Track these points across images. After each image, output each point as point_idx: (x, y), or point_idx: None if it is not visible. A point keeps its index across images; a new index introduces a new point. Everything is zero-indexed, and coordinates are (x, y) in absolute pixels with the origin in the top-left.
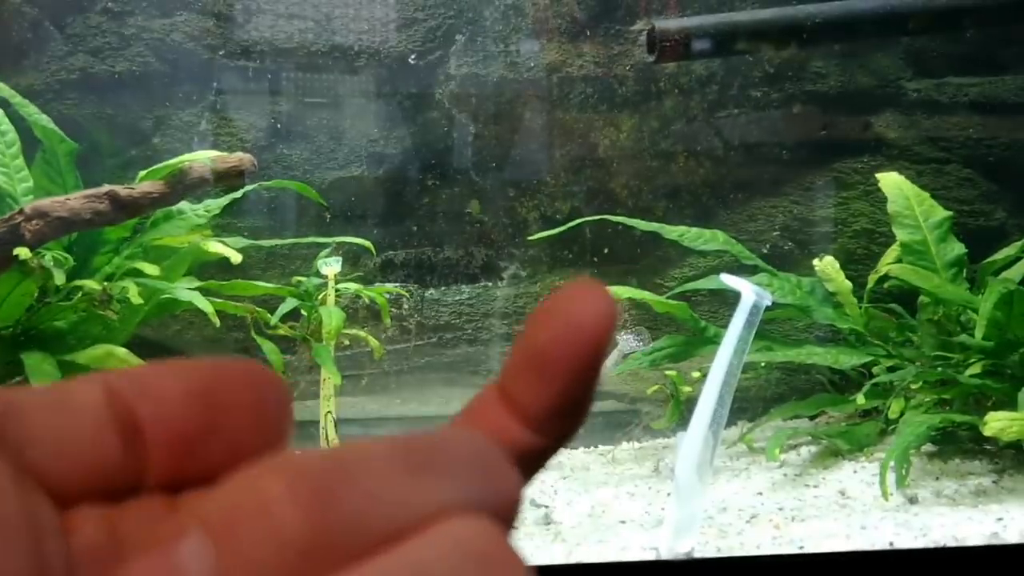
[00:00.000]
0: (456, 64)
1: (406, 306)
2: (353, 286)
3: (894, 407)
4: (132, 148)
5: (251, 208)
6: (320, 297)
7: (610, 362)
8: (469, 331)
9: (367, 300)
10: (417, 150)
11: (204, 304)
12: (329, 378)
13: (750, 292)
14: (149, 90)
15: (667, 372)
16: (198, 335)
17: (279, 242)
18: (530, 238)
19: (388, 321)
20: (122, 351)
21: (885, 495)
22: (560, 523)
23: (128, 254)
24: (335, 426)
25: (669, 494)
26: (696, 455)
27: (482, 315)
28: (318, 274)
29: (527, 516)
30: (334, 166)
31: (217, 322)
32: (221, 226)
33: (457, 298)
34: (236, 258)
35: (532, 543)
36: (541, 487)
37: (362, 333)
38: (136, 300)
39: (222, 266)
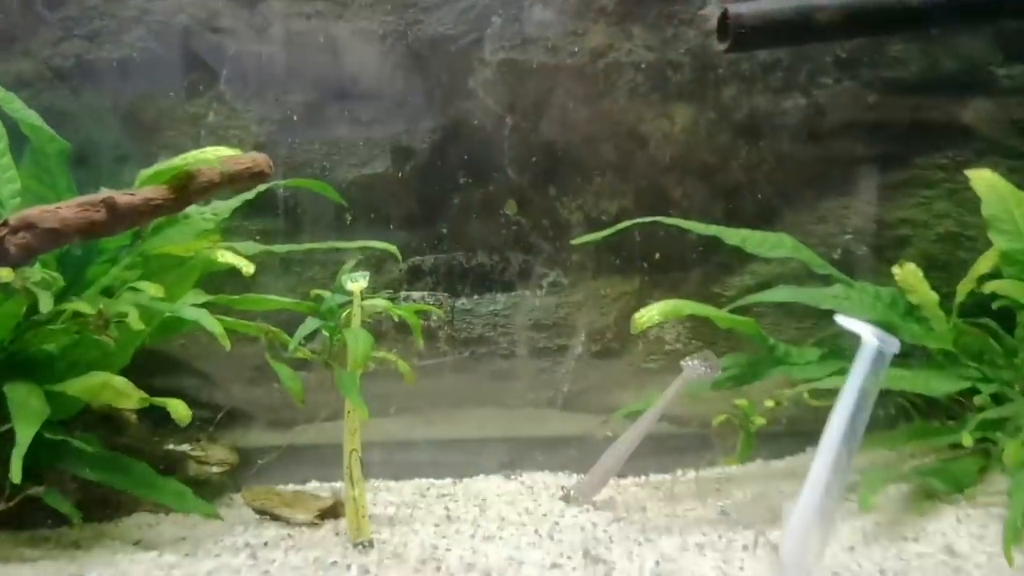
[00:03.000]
0: (491, 49)
1: (435, 317)
2: (381, 303)
3: (1011, 453)
4: (132, 142)
5: (264, 209)
6: (344, 316)
7: (671, 392)
8: (504, 345)
9: (394, 318)
10: (448, 144)
11: (213, 325)
12: (355, 411)
13: (873, 338)
14: (151, 79)
15: (737, 401)
16: (205, 350)
17: (295, 247)
18: (573, 242)
19: (421, 342)
20: (120, 381)
21: (1009, 560)
22: None
23: (127, 264)
24: (361, 466)
25: (746, 547)
26: (807, 535)
27: (519, 327)
28: (342, 289)
29: (583, 574)
30: (356, 162)
31: (228, 345)
32: (231, 229)
33: (491, 308)
34: (248, 269)
35: None
36: (594, 532)
37: (391, 356)
38: (137, 326)
39: (233, 273)
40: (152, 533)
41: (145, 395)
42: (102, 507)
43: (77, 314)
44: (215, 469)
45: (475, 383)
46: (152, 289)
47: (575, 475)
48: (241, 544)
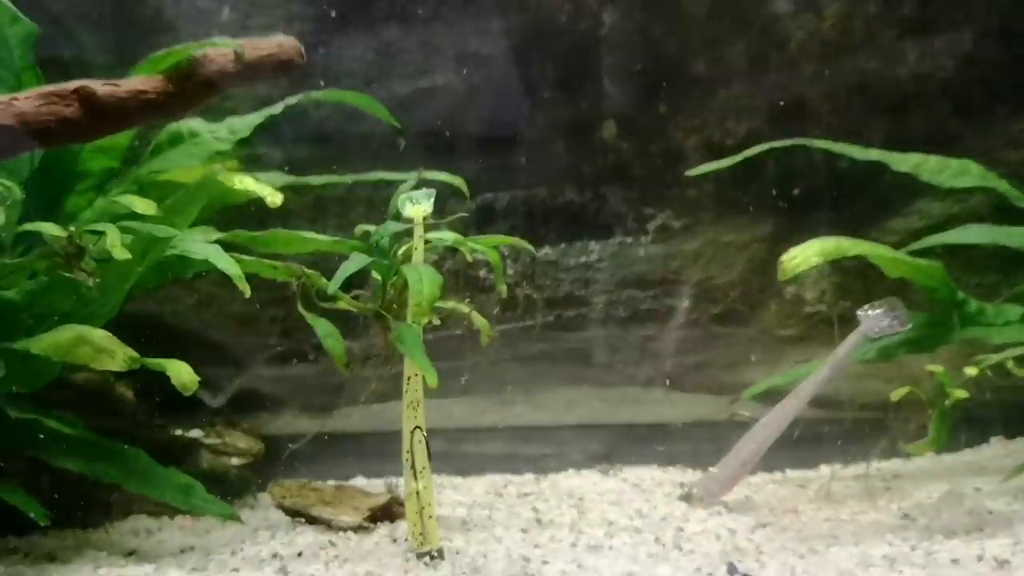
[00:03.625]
0: None
1: (511, 272)
2: (450, 236)
3: None
4: (124, 45)
5: (294, 132)
6: (402, 252)
7: (843, 352)
8: (599, 306)
9: (467, 259)
10: (528, 49)
11: (228, 264)
12: (417, 375)
13: None
14: None
15: (931, 367)
16: (221, 312)
17: (333, 179)
18: (689, 173)
19: (504, 288)
20: (99, 335)
21: None
22: None
23: (117, 193)
24: (428, 450)
25: (955, 561)
26: None
27: (618, 284)
28: (399, 215)
29: None
30: (411, 72)
31: (247, 290)
32: (251, 159)
33: (583, 259)
34: (275, 198)
35: None
36: (733, 540)
37: (462, 307)
38: (120, 253)
39: (253, 213)
40: (151, 542)
41: (134, 353)
42: (87, 508)
43: (45, 249)
44: (235, 461)
45: (561, 355)
46: (141, 205)
47: (690, 471)
48: (267, 555)
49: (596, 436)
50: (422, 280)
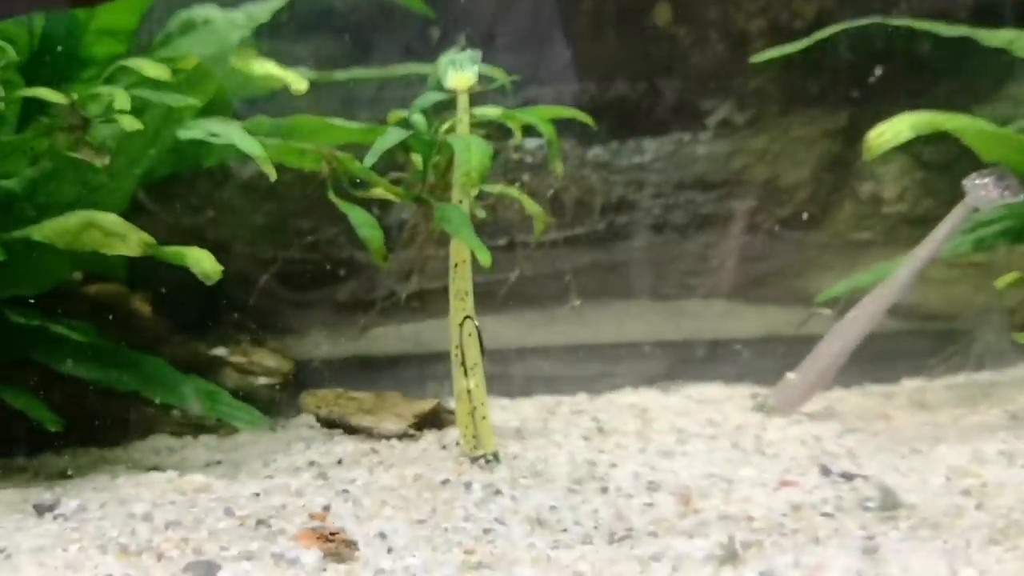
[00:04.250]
0: None
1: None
2: (494, 111)
3: None
4: None
5: (317, 25)
6: (445, 127)
7: (943, 232)
8: (654, 211)
9: (516, 138)
10: None
11: (251, 145)
12: (465, 261)
13: None
14: None
15: None
16: (243, 225)
17: (360, 74)
18: (753, 59)
19: (559, 166)
20: (110, 218)
21: None
22: (914, 505)
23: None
24: (480, 341)
25: None
26: None
27: (675, 186)
28: (439, 85)
29: (842, 497)
30: None
31: (273, 173)
32: (272, 54)
33: (637, 160)
34: (300, 85)
35: (903, 545)
36: (820, 446)
37: (512, 191)
38: (130, 123)
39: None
40: (174, 459)
41: (148, 237)
42: (104, 427)
43: (45, 126)
44: (262, 380)
45: (613, 267)
46: (152, 70)
47: (760, 388)
48: (303, 463)
49: (653, 353)
50: (470, 149)
